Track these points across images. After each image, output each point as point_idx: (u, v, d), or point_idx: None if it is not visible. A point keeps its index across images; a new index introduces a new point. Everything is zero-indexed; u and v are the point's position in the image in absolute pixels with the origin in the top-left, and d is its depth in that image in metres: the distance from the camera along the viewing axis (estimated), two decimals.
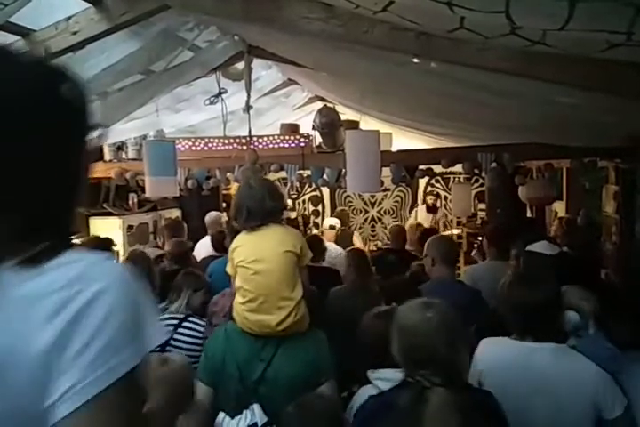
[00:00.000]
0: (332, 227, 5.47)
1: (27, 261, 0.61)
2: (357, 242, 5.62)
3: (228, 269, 2.10)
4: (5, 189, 0.63)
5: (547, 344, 1.71)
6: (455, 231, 7.14)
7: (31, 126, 0.64)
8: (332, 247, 4.57)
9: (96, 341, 0.60)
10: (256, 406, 1.87)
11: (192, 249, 3.69)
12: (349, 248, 3.75)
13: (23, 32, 2.48)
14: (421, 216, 7.07)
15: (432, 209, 6.98)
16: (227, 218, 5.36)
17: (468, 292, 2.86)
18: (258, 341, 1.96)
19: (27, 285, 0.60)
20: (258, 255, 1.97)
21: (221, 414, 1.91)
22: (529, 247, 3.03)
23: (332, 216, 6.87)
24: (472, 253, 6.45)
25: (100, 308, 0.61)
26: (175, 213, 5.86)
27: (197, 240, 4.63)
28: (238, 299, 1.99)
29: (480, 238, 6.01)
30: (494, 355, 1.77)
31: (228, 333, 2.02)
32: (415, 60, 2.35)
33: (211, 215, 4.88)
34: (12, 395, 0.59)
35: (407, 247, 4.70)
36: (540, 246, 3.00)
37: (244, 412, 1.87)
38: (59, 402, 0.59)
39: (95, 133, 0.74)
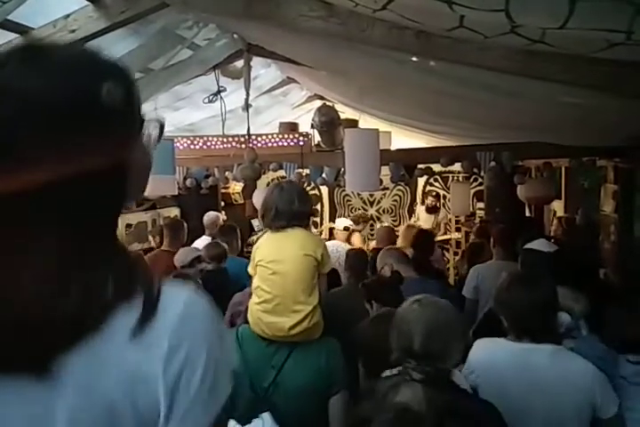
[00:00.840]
0: (346, 228, 5.45)
1: (142, 303, 0.61)
2: (356, 242, 5.61)
3: (250, 268, 2.09)
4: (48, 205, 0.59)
5: (544, 345, 1.71)
6: (455, 236, 7.08)
7: (64, 135, 0.59)
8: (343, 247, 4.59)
9: (205, 382, 0.62)
10: (266, 415, 1.83)
11: (226, 251, 3.70)
12: (349, 249, 3.75)
13: (21, 30, 2.46)
14: (422, 217, 7.04)
15: (432, 210, 6.96)
16: (225, 217, 5.37)
17: (443, 290, 2.90)
18: (270, 346, 1.94)
19: (153, 326, 0.60)
20: (277, 256, 1.98)
21: (232, 422, 1.84)
22: (527, 245, 3.04)
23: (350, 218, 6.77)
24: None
25: (204, 350, 0.62)
26: (174, 211, 5.85)
27: (195, 239, 4.62)
28: (254, 299, 1.99)
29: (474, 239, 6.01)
30: (490, 356, 1.77)
31: (241, 337, 2.00)
32: (414, 59, 2.35)
33: (209, 215, 4.86)
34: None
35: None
36: (538, 244, 3.01)
37: (254, 421, 1.83)
38: None
39: (150, 129, 0.69)
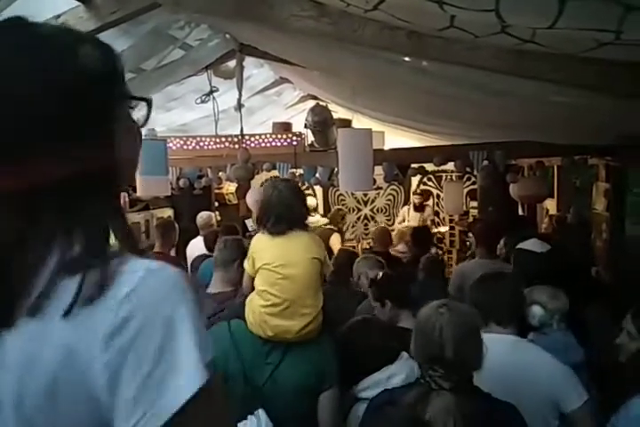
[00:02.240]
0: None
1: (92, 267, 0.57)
2: (336, 243, 5.38)
3: (250, 268, 2.02)
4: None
5: (506, 336, 1.74)
6: (443, 229, 7.17)
7: (44, 103, 0.58)
8: None
9: (155, 368, 0.55)
10: (261, 412, 1.82)
11: None
12: (340, 248, 3.74)
13: None
14: (410, 215, 7.09)
15: (419, 208, 7.02)
16: (219, 218, 5.36)
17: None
18: (266, 344, 1.92)
19: (95, 303, 0.56)
20: (285, 260, 1.93)
21: None
22: (520, 245, 3.05)
23: (324, 216, 6.77)
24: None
25: (157, 331, 0.55)
26: (167, 212, 5.83)
27: (189, 239, 4.61)
28: (259, 301, 1.93)
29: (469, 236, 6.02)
30: None
31: (234, 332, 1.95)
32: (406, 59, 2.36)
33: (202, 216, 4.84)
34: (70, 410, 0.55)
35: (393, 249, 4.67)
36: (530, 244, 3.02)
37: (249, 417, 1.81)
38: None
39: (136, 110, 0.66)
